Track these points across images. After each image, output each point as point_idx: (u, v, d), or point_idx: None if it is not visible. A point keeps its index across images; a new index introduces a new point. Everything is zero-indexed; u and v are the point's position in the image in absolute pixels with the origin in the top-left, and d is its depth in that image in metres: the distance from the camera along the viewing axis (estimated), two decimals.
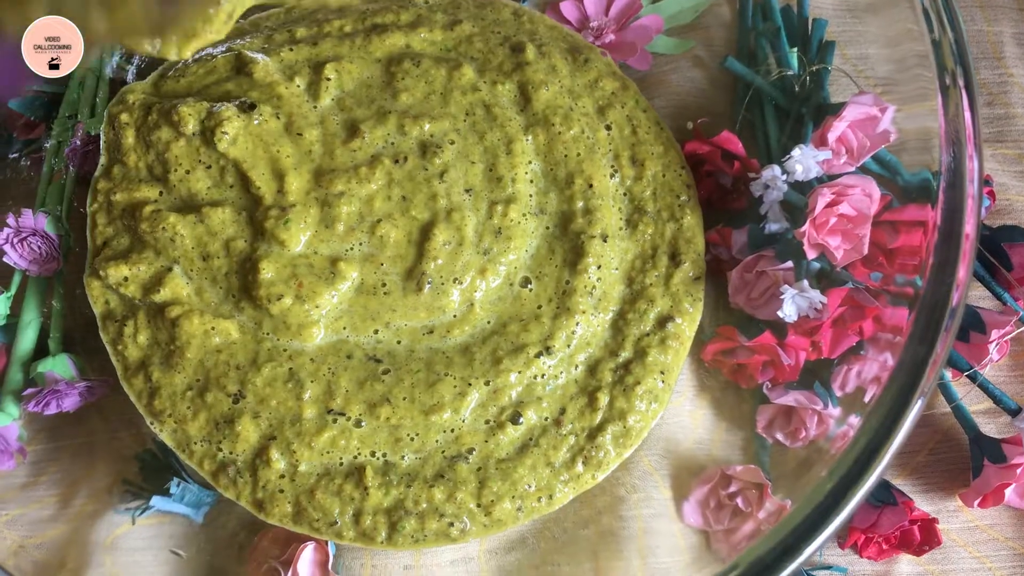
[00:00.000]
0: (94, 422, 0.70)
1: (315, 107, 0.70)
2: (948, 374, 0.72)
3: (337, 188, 0.68)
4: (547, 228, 0.69)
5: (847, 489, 0.55)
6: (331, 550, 0.66)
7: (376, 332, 0.66)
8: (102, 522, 0.68)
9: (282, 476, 0.63)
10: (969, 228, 0.58)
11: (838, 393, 0.65)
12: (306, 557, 0.65)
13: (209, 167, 0.68)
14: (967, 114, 0.60)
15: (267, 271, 0.65)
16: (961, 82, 0.60)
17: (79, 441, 0.70)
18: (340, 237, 0.67)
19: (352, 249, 0.67)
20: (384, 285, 0.67)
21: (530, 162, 0.70)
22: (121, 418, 0.70)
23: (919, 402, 0.56)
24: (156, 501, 0.67)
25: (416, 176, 0.69)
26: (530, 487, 0.63)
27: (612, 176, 0.70)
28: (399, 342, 0.66)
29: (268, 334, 0.66)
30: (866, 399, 0.59)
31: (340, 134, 0.70)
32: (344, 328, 0.66)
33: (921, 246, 0.60)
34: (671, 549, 0.67)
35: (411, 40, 0.73)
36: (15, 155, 0.76)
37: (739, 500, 0.66)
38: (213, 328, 0.65)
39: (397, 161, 0.69)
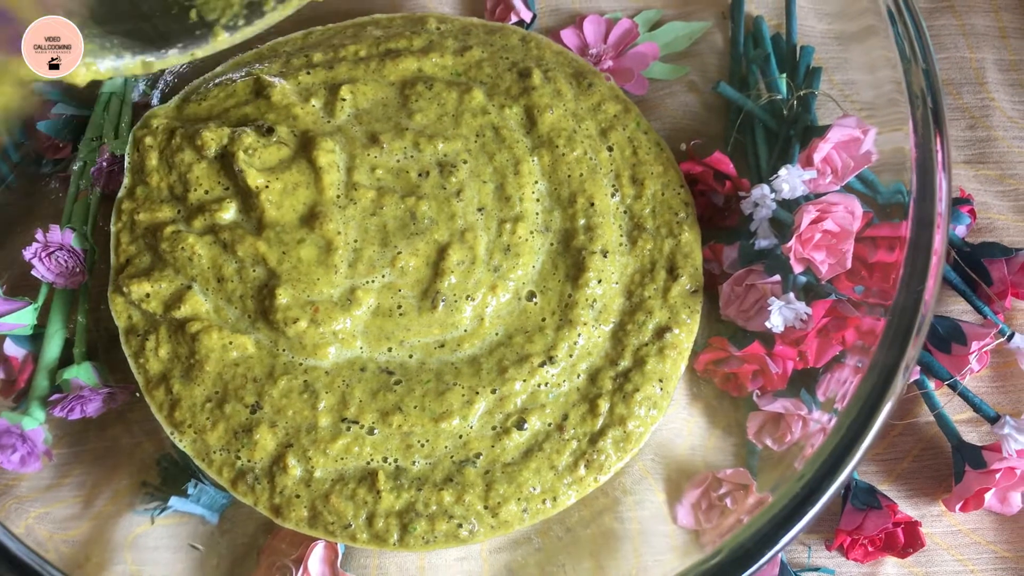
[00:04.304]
0: (116, 429, 0.73)
1: (330, 121, 0.73)
2: (931, 384, 0.74)
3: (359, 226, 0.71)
4: (551, 244, 0.72)
5: (820, 482, 0.58)
6: (340, 548, 0.69)
7: (390, 350, 0.69)
8: (123, 521, 0.71)
9: (298, 482, 0.66)
10: (937, 242, 0.61)
11: (821, 399, 0.68)
12: (316, 555, 0.68)
13: (227, 188, 0.72)
14: (936, 136, 0.63)
15: (283, 297, 0.68)
16: (930, 107, 0.64)
17: (102, 445, 0.73)
18: (362, 274, 0.70)
19: (372, 281, 0.70)
20: (400, 307, 0.70)
21: (536, 182, 0.73)
22: (142, 426, 0.73)
23: (889, 403, 0.59)
24: (174, 502, 0.70)
25: (438, 195, 0.72)
26: (535, 489, 0.66)
27: (613, 195, 0.73)
28: (411, 356, 0.69)
29: (284, 351, 0.69)
30: (842, 400, 0.62)
31: (361, 139, 0.72)
32: (359, 346, 0.69)
33: (897, 260, 0.63)
34: (664, 548, 0.70)
35: (423, 65, 0.76)
36: (45, 173, 0.78)
37: (728, 501, 0.68)
38: (231, 343, 0.68)
39: (421, 175, 0.72)
